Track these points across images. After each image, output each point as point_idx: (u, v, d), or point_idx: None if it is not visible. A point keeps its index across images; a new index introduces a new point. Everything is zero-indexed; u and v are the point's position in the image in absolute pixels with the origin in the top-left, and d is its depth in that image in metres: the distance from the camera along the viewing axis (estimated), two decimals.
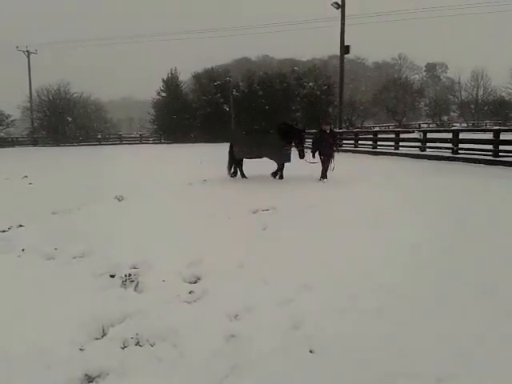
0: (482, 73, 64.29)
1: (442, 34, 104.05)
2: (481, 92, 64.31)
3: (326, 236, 5.93)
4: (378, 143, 23.16)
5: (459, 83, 67.12)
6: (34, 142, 50.76)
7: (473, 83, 65.06)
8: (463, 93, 66.31)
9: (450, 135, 17.19)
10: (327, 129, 11.77)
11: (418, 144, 19.18)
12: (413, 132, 24.70)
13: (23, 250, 5.50)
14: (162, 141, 49.80)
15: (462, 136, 17.03)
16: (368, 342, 3.18)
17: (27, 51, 52.89)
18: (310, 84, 49.09)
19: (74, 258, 5.24)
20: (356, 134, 26.70)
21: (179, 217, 7.45)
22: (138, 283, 4.43)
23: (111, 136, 53.53)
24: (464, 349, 3.06)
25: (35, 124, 54.19)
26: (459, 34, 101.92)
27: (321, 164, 11.62)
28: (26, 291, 4.21)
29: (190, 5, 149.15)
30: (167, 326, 3.47)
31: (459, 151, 16.48)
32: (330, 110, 48.90)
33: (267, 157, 12.34)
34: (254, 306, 3.81)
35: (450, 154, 16.63)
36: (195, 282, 4.50)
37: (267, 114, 44.65)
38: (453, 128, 20.85)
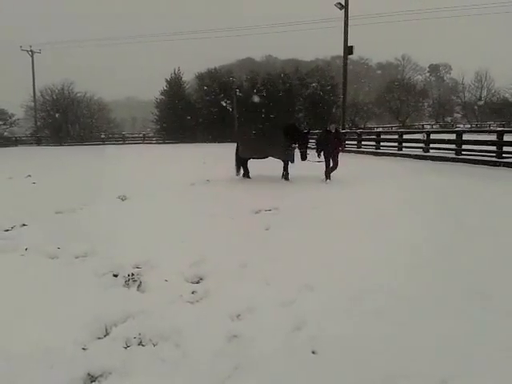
0: (485, 74, 64.19)
1: (445, 34, 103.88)
2: (484, 93, 64.18)
3: (328, 236, 5.94)
4: (381, 144, 23.13)
5: (463, 84, 66.99)
6: (38, 142, 50.88)
7: (476, 84, 64.97)
8: (467, 94, 66.19)
9: (453, 136, 17.16)
10: (332, 128, 11.76)
11: (421, 145, 19.14)
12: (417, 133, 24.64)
13: (26, 249, 5.52)
14: (165, 141, 49.85)
15: (465, 137, 16.99)
16: (370, 343, 3.19)
17: (31, 51, 53.01)
18: (314, 84, 49.02)
19: (77, 257, 5.26)
20: (359, 134, 26.68)
21: (182, 217, 7.45)
22: (140, 283, 4.44)
23: (114, 136, 53.60)
24: (464, 349, 3.06)
25: (39, 123, 54.30)
26: (463, 35, 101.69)
27: (324, 164, 11.62)
28: (29, 290, 4.22)
29: (194, 5, 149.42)
30: (170, 326, 3.48)
31: (462, 152, 16.45)
32: (334, 110, 48.83)
33: (272, 156, 12.35)
34: (256, 306, 3.82)
35: (454, 155, 16.58)
36: (198, 282, 4.51)
37: (270, 114, 44.63)
38: (456, 129, 20.77)
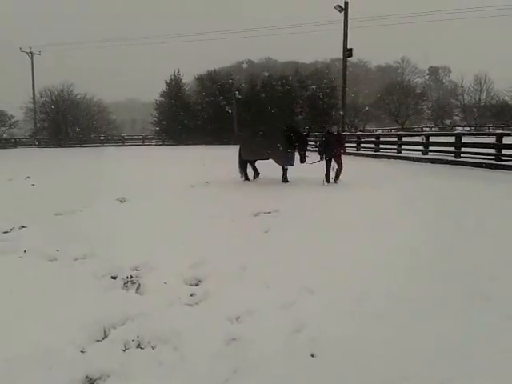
0: (485, 76, 64.26)
1: (445, 37, 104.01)
2: (484, 96, 64.25)
3: (328, 239, 5.93)
4: (381, 146, 23.17)
5: (462, 87, 67.05)
6: (37, 143, 50.86)
7: (476, 87, 65.03)
8: (466, 96, 66.26)
9: (452, 139, 17.17)
10: (334, 130, 11.78)
11: (421, 147, 19.16)
12: (416, 136, 24.68)
13: (25, 251, 5.51)
14: (165, 142, 49.86)
15: (464, 140, 17.01)
16: (369, 345, 3.18)
17: (30, 52, 52.98)
18: (313, 87, 49.07)
19: (76, 259, 5.25)
20: (358, 137, 26.72)
21: (181, 219, 7.45)
22: (139, 285, 4.43)
23: (114, 137, 53.60)
24: (463, 351, 3.06)
25: (38, 125, 54.28)
26: (462, 38, 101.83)
27: (325, 166, 11.62)
28: (28, 292, 4.21)
29: (195, 8, 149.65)
30: (168, 329, 3.47)
31: (462, 155, 16.46)
32: (333, 112, 48.89)
33: (272, 158, 12.37)
34: (255, 308, 3.81)
35: (453, 158, 16.60)
36: (197, 285, 4.50)
37: (270, 117, 44.67)
38: (455, 132, 20.78)
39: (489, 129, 45.87)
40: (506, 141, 14.97)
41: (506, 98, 58.95)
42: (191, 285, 4.50)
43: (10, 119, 56.13)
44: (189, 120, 48.94)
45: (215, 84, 49.59)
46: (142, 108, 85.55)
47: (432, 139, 19.30)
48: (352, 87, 57.04)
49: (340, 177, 11.61)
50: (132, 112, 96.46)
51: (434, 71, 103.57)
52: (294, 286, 4.24)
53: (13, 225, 6.97)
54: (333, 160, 11.54)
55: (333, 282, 4.35)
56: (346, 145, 26.27)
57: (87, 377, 2.93)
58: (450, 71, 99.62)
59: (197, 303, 4.06)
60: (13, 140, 53.06)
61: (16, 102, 54.40)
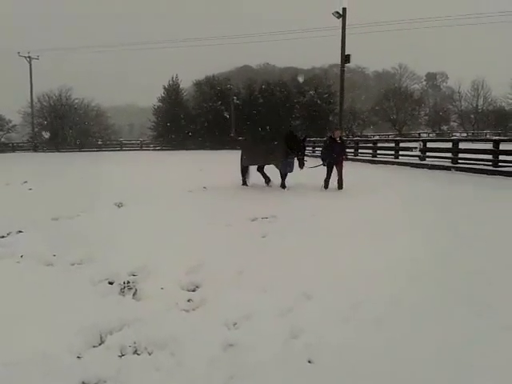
0: (482, 83, 64.61)
1: (442, 43, 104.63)
2: (481, 102, 64.56)
3: (326, 244, 5.92)
4: (378, 152, 23.23)
5: (459, 93, 67.39)
6: (35, 148, 50.80)
7: (473, 93, 65.36)
8: (463, 102, 66.58)
9: (449, 145, 17.24)
10: (337, 136, 11.77)
11: (418, 153, 19.22)
12: (413, 141, 24.77)
13: (22, 256, 5.47)
14: (163, 147, 49.88)
15: (461, 146, 17.08)
16: (367, 352, 3.16)
17: (29, 57, 52.98)
18: (311, 92, 49.30)
19: (73, 264, 5.23)
20: (356, 142, 26.82)
21: (178, 224, 7.42)
22: (136, 291, 4.41)
23: (112, 142, 53.57)
24: (463, 359, 3.04)
25: (36, 129, 54.23)
26: (460, 44, 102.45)
27: (326, 172, 11.60)
28: (24, 298, 4.18)
29: (195, 13, 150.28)
30: (165, 335, 3.45)
31: (459, 161, 16.52)
32: (331, 118, 49.09)
33: (273, 164, 12.37)
34: (252, 314, 3.79)
35: (450, 164, 16.66)
36: (194, 290, 4.49)
37: (267, 122, 44.80)
38: (452, 138, 20.88)
39: (486, 135, 46.09)
40: (503, 147, 15.03)
41: (503, 104, 59.30)
42: (188, 290, 4.49)
43: (7, 124, 56.09)
44: (187, 125, 49.01)
45: (213, 89, 49.80)
46: (140, 113, 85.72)
47: (429, 145, 19.37)
48: (349, 93, 57.31)
49: (343, 186, 11.49)
50: (130, 117, 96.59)
51: (431, 77, 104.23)
52: (291, 292, 4.23)
53: (10, 229, 6.93)
54: (330, 165, 11.54)
55: (331, 287, 4.34)
56: None
57: (83, 383, 2.91)
58: (447, 77, 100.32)
59: (194, 309, 4.04)
60: (10, 144, 52.95)
61: (14, 107, 54.49)
